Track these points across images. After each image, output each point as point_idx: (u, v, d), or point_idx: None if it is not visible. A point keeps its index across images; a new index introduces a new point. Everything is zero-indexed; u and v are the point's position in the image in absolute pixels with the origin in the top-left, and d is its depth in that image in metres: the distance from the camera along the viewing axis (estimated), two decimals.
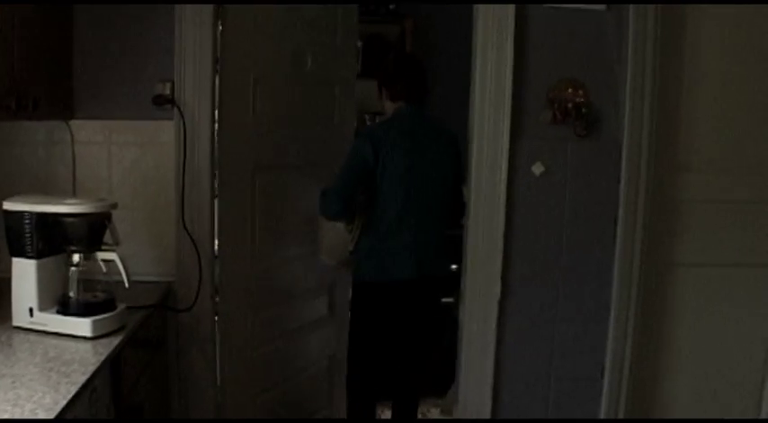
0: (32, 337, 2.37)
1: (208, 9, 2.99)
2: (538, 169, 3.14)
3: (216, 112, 3.09)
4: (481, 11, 3.09)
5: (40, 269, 2.41)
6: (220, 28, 3.06)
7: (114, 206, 2.49)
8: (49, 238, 2.42)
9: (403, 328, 3.59)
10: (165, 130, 3.05)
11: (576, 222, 3.19)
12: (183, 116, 3.00)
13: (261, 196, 3.45)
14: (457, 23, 5.13)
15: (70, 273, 2.45)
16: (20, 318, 2.43)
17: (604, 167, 3.17)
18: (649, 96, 3.09)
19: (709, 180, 3.25)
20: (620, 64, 3.11)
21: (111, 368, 2.28)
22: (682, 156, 3.22)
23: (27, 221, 2.38)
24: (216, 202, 3.17)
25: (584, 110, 3.11)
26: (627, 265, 3.19)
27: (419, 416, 4.16)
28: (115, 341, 2.34)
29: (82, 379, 2.00)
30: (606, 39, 3.12)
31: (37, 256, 2.40)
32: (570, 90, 3.12)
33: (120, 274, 2.44)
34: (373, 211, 3.42)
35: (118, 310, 2.47)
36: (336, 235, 3.62)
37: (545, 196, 3.17)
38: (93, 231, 2.44)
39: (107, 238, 2.49)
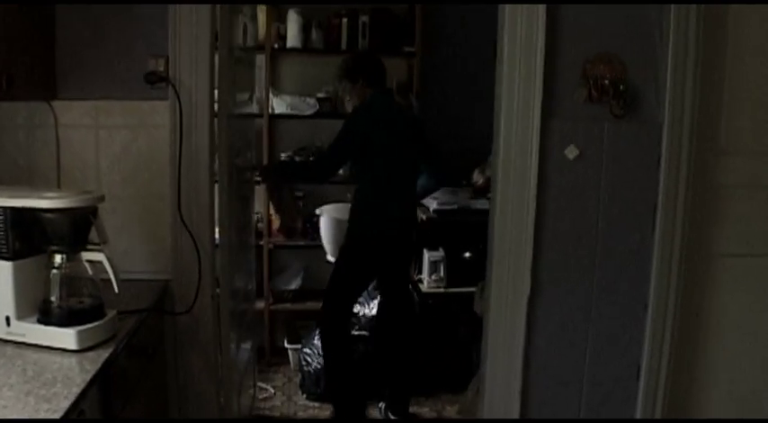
0: (9, 349, 2.10)
1: None
2: (571, 153, 2.90)
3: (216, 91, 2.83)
4: None
5: (17, 272, 2.14)
6: None
7: (101, 199, 2.21)
8: (27, 237, 2.15)
9: (384, 271, 4.19)
10: (158, 112, 2.79)
11: (612, 210, 2.97)
12: (178, 96, 2.73)
13: None
14: None
15: (51, 275, 2.16)
16: None
17: (643, 150, 2.94)
18: (692, 73, 2.87)
19: (755, 165, 3.05)
20: (661, 38, 2.89)
21: (100, 385, 2.00)
22: (724, 138, 3.01)
23: (1, 218, 2.11)
24: (216, 189, 2.92)
25: (621, 87, 2.88)
26: (666, 255, 2.98)
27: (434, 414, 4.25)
28: (104, 354, 2.07)
29: (65, 405, 1.73)
30: (647, 13, 2.89)
31: (13, 257, 2.13)
32: (607, 65, 2.88)
33: (109, 277, 2.15)
34: (363, 179, 4.02)
35: (107, 317, 2.20)
36: (339, 234, 4.15)
37: (579, 182, 2.94)
38: (77, 229, 2.17)
39: (93, 235, 2.22)
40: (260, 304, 4.80)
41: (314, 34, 4.86)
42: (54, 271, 2.16)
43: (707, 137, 2.95)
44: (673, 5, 2.82)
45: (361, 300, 4.38)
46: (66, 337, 2.08)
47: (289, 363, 4.89)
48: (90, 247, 2.19)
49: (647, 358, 3.03)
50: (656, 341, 3.02)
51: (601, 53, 2.88)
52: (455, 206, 4.65)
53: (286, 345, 4.88)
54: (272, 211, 4.86)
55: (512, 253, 2.93)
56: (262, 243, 4.81)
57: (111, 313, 2.22)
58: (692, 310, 3.06)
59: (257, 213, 4.62)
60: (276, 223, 4.95)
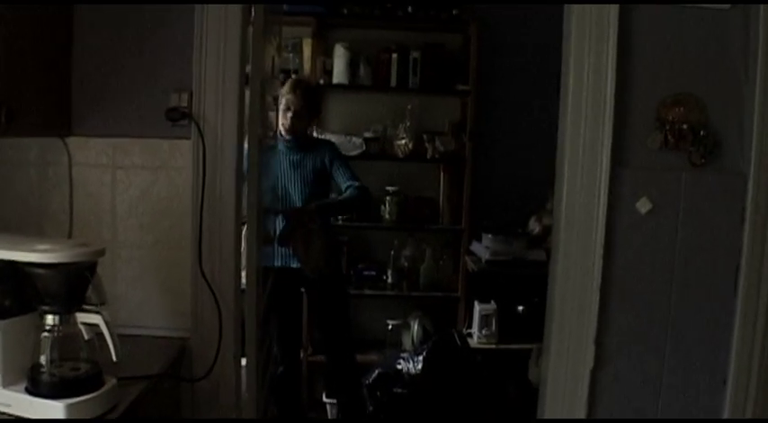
0: None
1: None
2: (644, 206, 2.63)
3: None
4: (575, 12, 2.60)
5: (4, 332, 1.89)
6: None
7: (101, 253, 1.95)
8: (15, 294, 1.91)
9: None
10: (181, 152, 2.57)
11: (688, 272, 2.68)
12: (202, 134, 2.50)
13: None
14: (531, 30, 4.74)
15: (42, 338, 1.90)
16: None
17: (726, 204, 2.66)
18: None
19: None
20: (746, 78, 2.62)
21: None
22: None
23: None
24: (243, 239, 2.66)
25: (702, 133, 2.62)
26: (750, 325, 2.67)
27: None
28: None
29: None
30: (730, 46, 2.63)
31: (1, 315, 1.89)
32: (685, 108, 2.64)
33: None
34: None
35: (105, 387, 1.92)
36: (316, 251, 3.94)
37: (652, 239, 2.67)
38: (72, 287, 1.90)
39: (90, 294, 1.94)
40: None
41: (362, 70, 4.75)
42: (45, 334, 1.90)
43: None
44: (761, 38, 2.56)
45: (404, 355, 4.15)
46: (54, 409, 1.82)
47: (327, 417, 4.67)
48: (86, 307, 1.92)
49: None
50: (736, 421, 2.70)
51: (678, 94, 2.63)
52: (509, 257, 4.42)
53: (324, 399, 4.65)
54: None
55: (574, 318, 2.65)
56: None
57: (110, 382, 1.94)
58: None
59: None
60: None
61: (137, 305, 2.44)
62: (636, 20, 2.61)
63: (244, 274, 2.69)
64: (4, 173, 2.59)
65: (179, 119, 2.50)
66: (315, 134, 4.59)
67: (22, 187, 2.59)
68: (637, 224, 2.64)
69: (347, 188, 4.01)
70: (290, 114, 3.93)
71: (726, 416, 2.69)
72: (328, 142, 4.28)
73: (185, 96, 2.51)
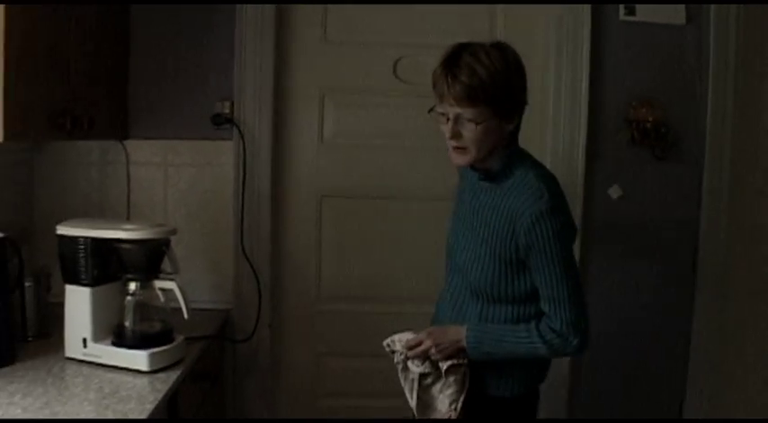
0: (85, 369, 2.24)
1: (269, 23, 2.91)
2: (615, 193, 3.00)
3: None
4: (553, 24, 2.97)
5: (94, 297, 2.29)
6: None
7: (173, 232, 2.35)
8: (104, 265, 2.30)
9: None
10: (223, 151, 2.95)
11: (654, 248, 3.06)
12: (242, 136, 2.90)
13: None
14: None
15: (126, 302, 2.31)
16: (73, 348, 2.30)
17: (684, 190, 3.03)
18: (731, 117, 2.96)
19: None
20: (700, 82, 2.99)
21: (169, 404, 2.15)
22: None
23: (82, 247, 2.27)
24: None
25: (663, 130, 2.98)
26: (705, 296, 3.05)
27: None
28: (173, 376, 2.20)
29: (141, 419, 1.88)
30: (687, 56, 3.00)
31: (92, 283, 2.28)
32: (649, 110, 2.98)
33: (179, 304, 2.29)
34: None
35: (176, 342, 2.32)
36: None
37: (623, 220, 3.03)
38: (151, 259, 2.31)
39: (165, 265, 2.36)
40: None
41: None
42: (129, 297, 2.30)
43: (746, 178, 2.98)
44: (711, 49, 2.92)
45: None
46: (138, 359, 2.21)
47: None
48: (162, 275, 2.33)
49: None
50: (696, 383, 3.06)
51: (643, 98, 2.97)
52: None
53: None
54: None
55: None
56: None
57: (179, 338, 2.34)
58: (730, 353, 3.05)
59: None
60: None
61: (186, 282, 2.68)
62: (606, 33, 2.95)
63: None
64: (70, 171, 2.96)
65: (222, 123, 2.90)
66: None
67: (85, 184, 2.97)
68: (609, 208, 3.01)
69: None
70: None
71: (690, 377, 3.08)
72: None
73: (227, 104, 2.89)
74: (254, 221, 2.95)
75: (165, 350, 2.27)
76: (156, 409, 1.97)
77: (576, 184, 2.95)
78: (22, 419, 1.81)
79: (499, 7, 3.04)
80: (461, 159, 2.02)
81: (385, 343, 2.14)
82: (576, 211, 2.94)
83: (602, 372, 3.09)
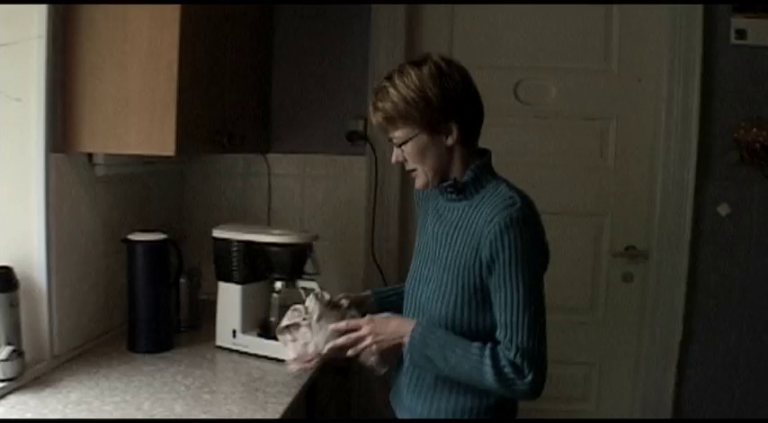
0: (235, 357, 2.51)
1: (400, 50, 3.12)
2: (724, 210, 3.09)
3: None
4: (665, 47, 3.08)
5: (244, 294, 2.55)
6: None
7: (316, 237, 2.60)
8: (253, 266, 2.56)
9: None
10: (356, 165, 3.19)
11: (761, 263, 3.12)
12: (374, 152, 3.12)
13: None
14: None
15: (272, 299, 2.57)
16: (223, 338, 2.58)
17: None
18: None
19: None
20: None
21: (308, 392, 2.38)
22: None
23: (235, 249, 2.54)
24: None
25: None
26: None
27: None
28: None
29: (287, 400, 2.11)
30: None
31: (242, 281, 2.55)
32: (757, 130, 3.03)
33: None
34: None
35: None
36: None
37: (731, 237, 3.11)
38: (296, 261, 2.55)
39: (308, 267, 2.59)
40: None
41: None
42: (274, 295, 2.56)
43: None
44: None
45: None
46: (282, 350, 2.42)
47: None
48: (305, 276, 2.57)
49: None
50: None
51: (751, 118, 3.03)
52: None
53: None
54: None
55: (666, 301, 3.15)
56: None
57: None
58: None
59: None
60: None
61: (321, 284, 2.94)
62: (716, 55, 3.04)
63: None
64: (217, 182, 3.28)
65: (356, 139, 3.14)
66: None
67: (231, 192, 3.28)
68: (718, 225, 3.10)
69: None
70: None
71: None
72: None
73: (361, 122, 3.13)
74: (383, 230, 3.17)
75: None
76: (299, 394, 2.21)
77: (687, 201, 3.06)
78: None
79: (615, 35, 3.17)
80: (417, 182, 1.96)
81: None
82: (685, 228, 3.06)
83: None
